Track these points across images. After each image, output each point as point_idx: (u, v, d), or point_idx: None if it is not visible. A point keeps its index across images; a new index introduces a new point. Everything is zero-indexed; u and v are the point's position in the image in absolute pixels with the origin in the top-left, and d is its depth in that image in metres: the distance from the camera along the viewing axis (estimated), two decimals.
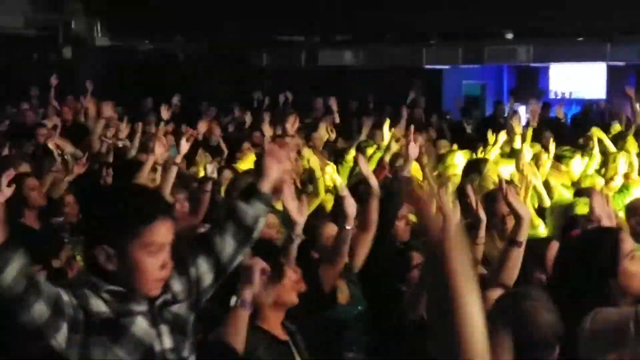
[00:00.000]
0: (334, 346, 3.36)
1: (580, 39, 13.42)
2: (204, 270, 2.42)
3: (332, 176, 5.23)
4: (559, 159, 6.29)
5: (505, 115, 11.45)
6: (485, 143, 6.92)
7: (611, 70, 15.09)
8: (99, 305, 2.17)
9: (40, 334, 2.11)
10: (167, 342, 2.30)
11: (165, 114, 8.31)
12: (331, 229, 3.77)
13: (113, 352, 2.21)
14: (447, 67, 15.32)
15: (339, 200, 4.12)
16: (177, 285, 2.35)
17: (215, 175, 5.06)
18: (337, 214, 3.91)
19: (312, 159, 5.38)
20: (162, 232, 2.21)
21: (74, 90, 11.54)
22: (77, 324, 2.14)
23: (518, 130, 6.96)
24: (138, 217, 2.19)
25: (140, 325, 2.25)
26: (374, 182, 4.13)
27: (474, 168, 5.38)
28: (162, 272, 2.23)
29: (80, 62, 15.65)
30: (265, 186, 2.49)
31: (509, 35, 13.79)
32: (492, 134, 6.86)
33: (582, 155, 6.35)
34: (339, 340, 3.41)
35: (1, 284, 2.01)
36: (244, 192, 2.58)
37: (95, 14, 16.21)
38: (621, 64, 14.10)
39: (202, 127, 8.09)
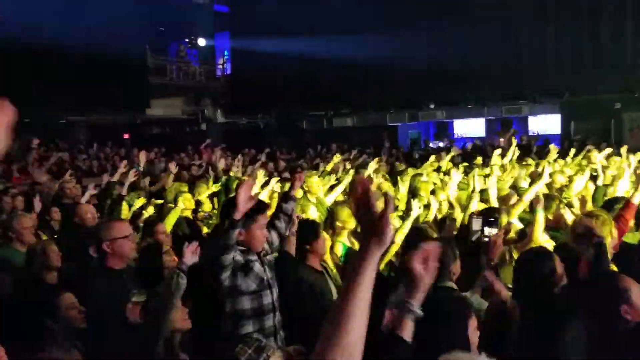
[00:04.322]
0: None
1: (469, 105, 17.72)
2: (274, 238, 3.51)
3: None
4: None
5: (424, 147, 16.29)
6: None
7: (488, 122, 19.37)
8: (237, 258, 3.11)
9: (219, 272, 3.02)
10: (269, 274, 3.25)
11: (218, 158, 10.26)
12: None
13: (246, 280, 3.13)
14: (399, 124, 19.51)
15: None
16: (266, 245, 3.31)
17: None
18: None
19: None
20: (267, 217, 3.28)
21: (206, 145, 15.04)
22: (236, 268, 3.12)
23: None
24: (258, 209, 3.12)
25: (257, 265, 3.20)
26: None
27: None
28: (264, 238, 3.21)
29: (210, 131, 19.11)
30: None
31: (432, 105, 18.20)
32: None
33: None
34: None
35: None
36: (283, 196, 3.56)
37: (217, 105, 20.39)
38: (493, 118, 18.37)
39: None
